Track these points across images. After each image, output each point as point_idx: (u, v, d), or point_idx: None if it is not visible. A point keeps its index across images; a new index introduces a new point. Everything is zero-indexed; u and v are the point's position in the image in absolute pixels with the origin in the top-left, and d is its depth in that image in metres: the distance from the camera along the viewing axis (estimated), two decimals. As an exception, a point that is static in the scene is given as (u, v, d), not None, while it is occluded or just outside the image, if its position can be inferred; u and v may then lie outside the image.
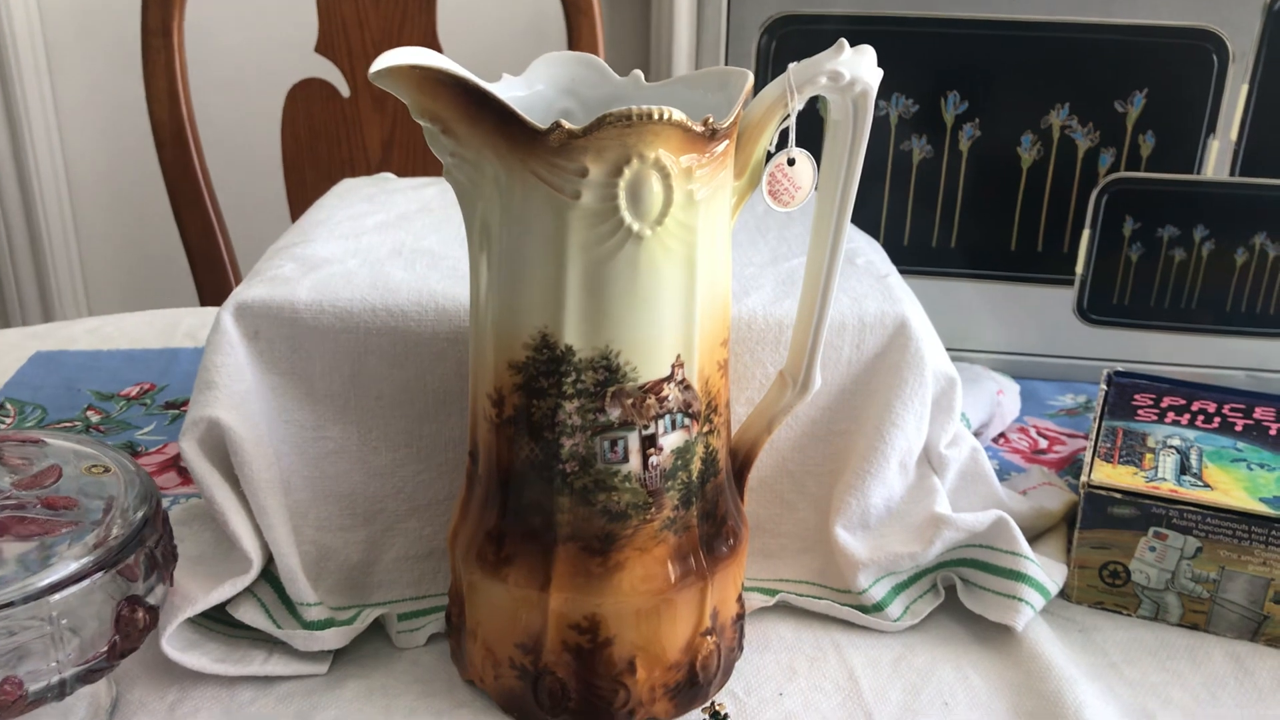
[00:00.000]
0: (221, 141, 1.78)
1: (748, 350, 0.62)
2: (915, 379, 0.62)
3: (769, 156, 0.52)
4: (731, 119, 0.48)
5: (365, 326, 0.60)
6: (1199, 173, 0.82)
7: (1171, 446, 0.65)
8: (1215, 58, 0.79)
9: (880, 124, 0.83)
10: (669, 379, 0.49)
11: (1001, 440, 0.80)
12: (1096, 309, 0.86)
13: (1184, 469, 0.62)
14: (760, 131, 0.51)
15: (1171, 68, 0.80)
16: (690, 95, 0.53)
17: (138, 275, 2.19)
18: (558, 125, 0.45)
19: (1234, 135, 0.81)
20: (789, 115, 0.51)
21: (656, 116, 0.45)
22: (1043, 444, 0.80)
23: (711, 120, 0.47)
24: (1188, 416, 0.68)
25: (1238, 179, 0.82)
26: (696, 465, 0.51)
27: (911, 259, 0.86)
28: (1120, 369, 0.74)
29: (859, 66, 0.50)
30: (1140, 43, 0.79)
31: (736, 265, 0.66)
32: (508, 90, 0.54)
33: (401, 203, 0.76)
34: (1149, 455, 0.64)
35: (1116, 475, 0.62)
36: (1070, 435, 0.81)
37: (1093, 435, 0.66)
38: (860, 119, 0.51)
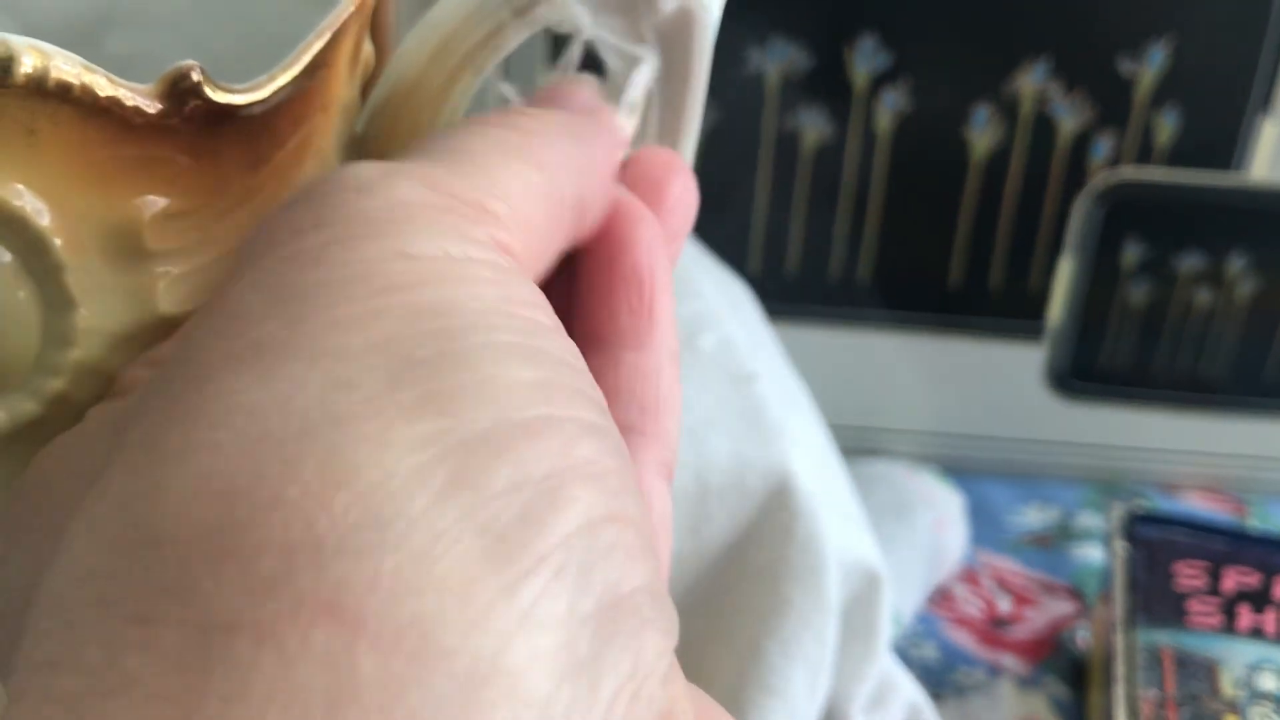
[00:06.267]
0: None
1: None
2: (806, 593, 0.32)
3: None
4: (316, 49, 0.17)
5: None
6: (1241, 170, 0.53)
7: (1265, 698, 0.35)
8: (1278, -11, 0.50)
9: (751, 88, 0.52)
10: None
11: (941, 602, 0.50)
12: (1080, 373, 0.57)
13: (1308, 756, 0.33)
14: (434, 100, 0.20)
15: (1209, 3, 0.50)
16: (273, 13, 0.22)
17: None
18: None
19: (1298, 113, 0.52)
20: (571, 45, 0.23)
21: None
22: (1003, 606, 0.50)
23: (195, 75, 0.15)
24: (1275, 614, 0.39)
25: (1300, 180, 0.53)
26: None
27: (801, 296, 0.56)
28: (1142, 509, 0.45)
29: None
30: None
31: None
32: None
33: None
34: (1230, 719, 0.35)
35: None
36: (1046, 585, 0.51)
37: (1117, 668, 0.36)
38: (683, 77, 0.21)
